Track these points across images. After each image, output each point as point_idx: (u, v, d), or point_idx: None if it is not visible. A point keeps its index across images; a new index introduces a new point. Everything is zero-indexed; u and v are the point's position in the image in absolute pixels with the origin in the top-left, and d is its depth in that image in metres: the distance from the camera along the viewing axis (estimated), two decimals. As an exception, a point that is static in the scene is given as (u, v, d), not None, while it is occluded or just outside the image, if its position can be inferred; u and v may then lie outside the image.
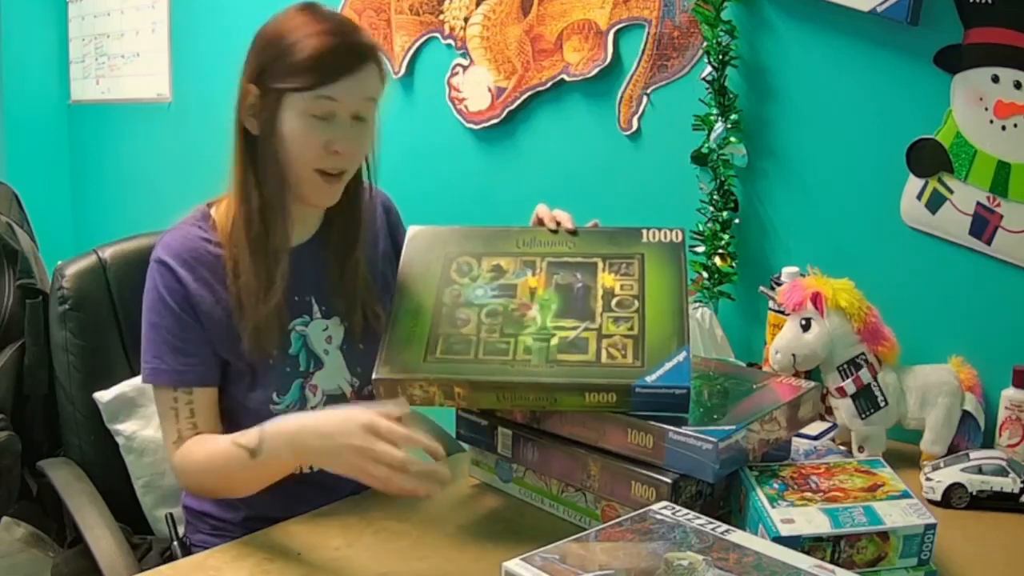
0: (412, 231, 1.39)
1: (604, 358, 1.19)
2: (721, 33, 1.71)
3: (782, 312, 1.51)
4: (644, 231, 1.35)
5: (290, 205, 1.29)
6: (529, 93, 2.06)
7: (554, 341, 1.21)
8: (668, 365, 1.16)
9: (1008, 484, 1.30)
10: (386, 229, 1.47)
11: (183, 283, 1.26)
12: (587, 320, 1.24)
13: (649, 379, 1.15)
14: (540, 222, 1.38)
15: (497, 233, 1.36)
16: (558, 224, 1.36)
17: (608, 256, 1.32)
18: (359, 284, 1.35)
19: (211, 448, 1.23)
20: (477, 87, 2.15)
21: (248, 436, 1.18)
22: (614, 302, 1.26)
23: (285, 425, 1.17)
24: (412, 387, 1.19)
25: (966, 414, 1.45)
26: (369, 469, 1.08)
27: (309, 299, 1.34)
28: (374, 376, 1.20)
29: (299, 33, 1.21)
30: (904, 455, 1.46)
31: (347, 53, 1.22)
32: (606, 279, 1.29)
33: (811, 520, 1.04)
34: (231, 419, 1.29)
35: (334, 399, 1.34)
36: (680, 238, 1.34)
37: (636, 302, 1.26)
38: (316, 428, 1.14)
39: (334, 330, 1.34)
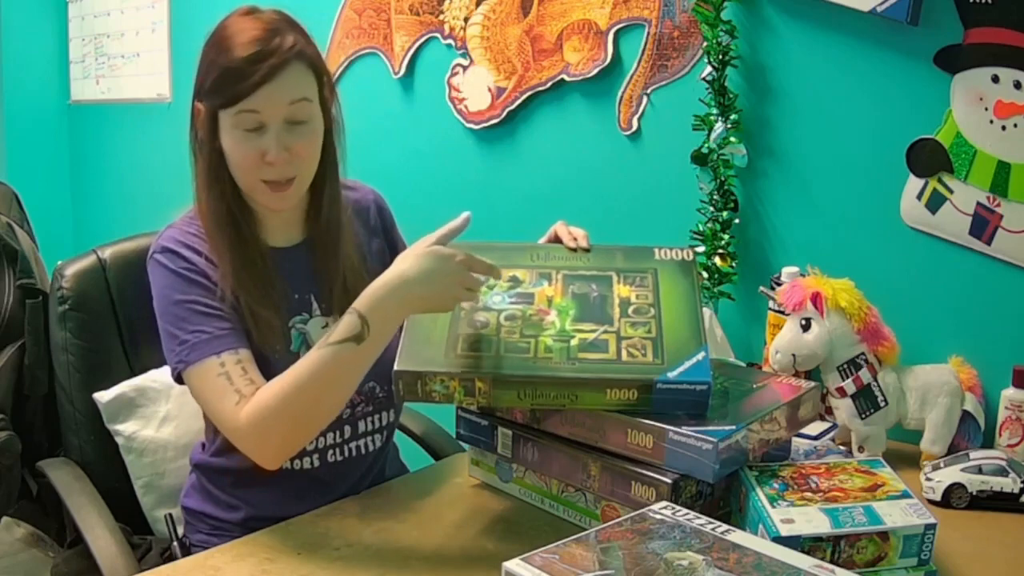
0: None
1: (625, 356, 1.19)
2: (721, 33, 1.71)
3: (782, 312, 1.51)
4: (656, 249, 1.37)
5: (257, 211, 1.32)
6: (529, 93, 2.06)
7: (574, 341, 1.22)
8: (688, 363, 1.17)
9: (1008, 484, 1.30)
10: (380, 227, 1.48)
11: (193, 262, 1.26)
12: (606, 324, 1.25)
13: (671, 375, 1.15)
14: (555, 238, 1.40)
15: (512, 248, 1.37)
16: (575, 241, 1.37)
17: (622, 270, 1.34)
18: (355, 282, 1.35)
19: (287, 378, 1.17)
20: (477, 87, 2.15)
21: (341, 328, 1.15)
22: (631, 309, 1.27)
23: (377, 292, 1.16)
24: (433, 381, 1.18)
25: (966, 414, 1.45)
26: (460, 294, 1.18)
27: (308, 297, 1.34)
28: (395, 369, 1.19)
29: (224, 47, 1.22)
30: (904, 455, 1.46)
31: (258, 63, 1.20)
32: (621, 290, 1.30)
33: (811, 520, 1.04)
34: None
35: None
36: (691, 256, 1.36)
37: (652, 309, 1.27)
38: (415, 276, 1.16)
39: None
